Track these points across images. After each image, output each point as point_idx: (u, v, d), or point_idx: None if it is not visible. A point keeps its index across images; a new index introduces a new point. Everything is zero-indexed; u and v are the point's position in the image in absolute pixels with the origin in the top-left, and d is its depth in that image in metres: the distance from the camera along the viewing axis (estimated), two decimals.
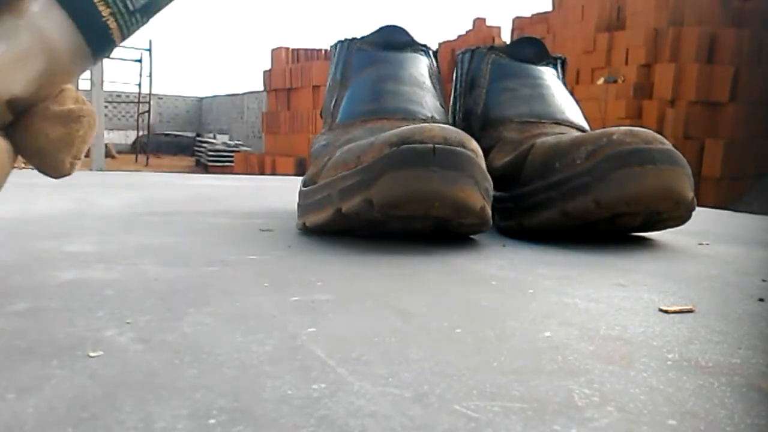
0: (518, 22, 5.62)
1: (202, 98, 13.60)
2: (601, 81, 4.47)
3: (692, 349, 0.24)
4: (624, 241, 0.49)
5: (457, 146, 0.41)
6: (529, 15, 5.63)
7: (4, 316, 0.25)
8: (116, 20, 0.28)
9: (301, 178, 0.53)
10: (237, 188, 0.89)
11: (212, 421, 0.17)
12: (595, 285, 0.34)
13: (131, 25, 0.29)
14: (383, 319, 0.27)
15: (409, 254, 0.41)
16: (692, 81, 4.10)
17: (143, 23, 0.30)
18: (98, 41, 0.28)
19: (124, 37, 0.29)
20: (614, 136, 0.45)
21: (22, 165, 0.30)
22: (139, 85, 9.73)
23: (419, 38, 0.57)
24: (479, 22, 6.04)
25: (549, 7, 5.40)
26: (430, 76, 0.56)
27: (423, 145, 0.40)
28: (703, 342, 0.25)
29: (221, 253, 0.39)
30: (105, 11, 0.28)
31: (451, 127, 0.43)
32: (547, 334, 0.25)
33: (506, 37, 5.73)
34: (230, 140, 10.34)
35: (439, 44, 5.98)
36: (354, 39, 0.57)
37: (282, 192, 0.82)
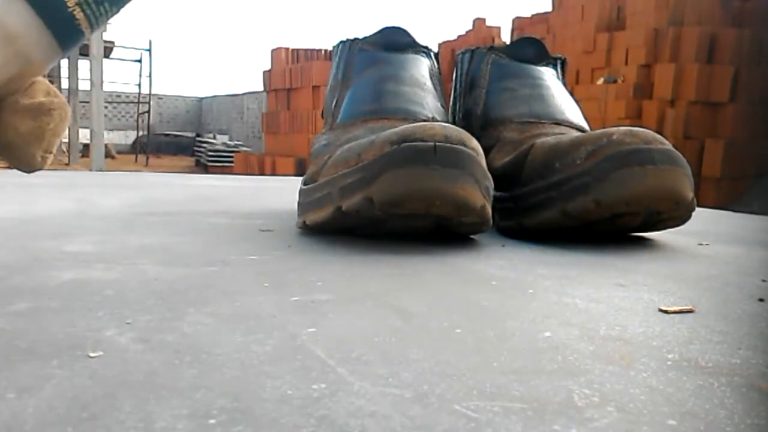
0: (518, 23, 5.62)
1: (202, 98, 13.60)
2: (600, 81, 4.48)
3: (692, 349, 0.24)
4: (624, 241, 0.49)
5: (457, 144, 0.41)
6: (529, 15, 5.64)
7: (4, 316, 0.25)
8: (83, 10, 0.27)
9: (301, 178, 0.53)
10: (237, 188, 0.89)
11: (212, 421, 0.17)
12: (595, 285, 0.34)
13: (99, 15, 0.28)
14: (383, 319, 0.27)
15: (409, 254, 0.41)
16: (692, 81, 4.11)
17: (113, 13, 0.28)
18: (65, 33, 0.27)
19: (93, 28, 0.28)
20: (614, 137, 0.45)
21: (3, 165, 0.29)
22: (139, 85, 9.74)
23: (420, 39, 0.58)
24: (479, 22, 6.04)
25: (549, 8, 5.41)
26: (431, 78, 0.56)
27: (424, 143, 0.40)
28: (703, 342, 0.25)
29: (221, 253, 0.39)
30: (71, 1, 0.27)
31: (452, 125, 0.43)
32: (547, 334, 0.25)
33: (506, 38, 5.74)
34: (230, 140, 10.35)
35: (439, 44, 5.99)
36: (356, 39, 0.57)
37: (282, 192, 0.82)
